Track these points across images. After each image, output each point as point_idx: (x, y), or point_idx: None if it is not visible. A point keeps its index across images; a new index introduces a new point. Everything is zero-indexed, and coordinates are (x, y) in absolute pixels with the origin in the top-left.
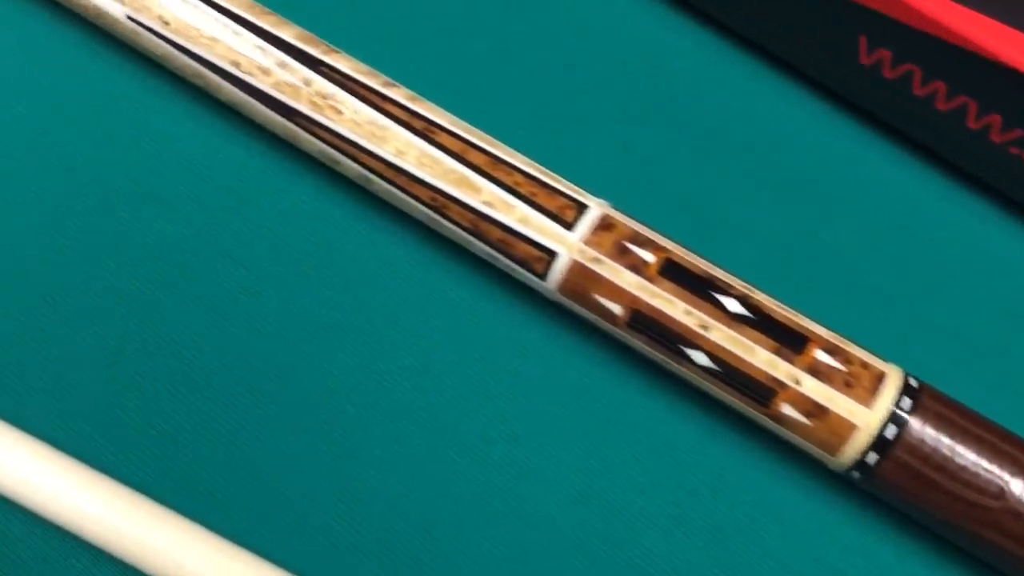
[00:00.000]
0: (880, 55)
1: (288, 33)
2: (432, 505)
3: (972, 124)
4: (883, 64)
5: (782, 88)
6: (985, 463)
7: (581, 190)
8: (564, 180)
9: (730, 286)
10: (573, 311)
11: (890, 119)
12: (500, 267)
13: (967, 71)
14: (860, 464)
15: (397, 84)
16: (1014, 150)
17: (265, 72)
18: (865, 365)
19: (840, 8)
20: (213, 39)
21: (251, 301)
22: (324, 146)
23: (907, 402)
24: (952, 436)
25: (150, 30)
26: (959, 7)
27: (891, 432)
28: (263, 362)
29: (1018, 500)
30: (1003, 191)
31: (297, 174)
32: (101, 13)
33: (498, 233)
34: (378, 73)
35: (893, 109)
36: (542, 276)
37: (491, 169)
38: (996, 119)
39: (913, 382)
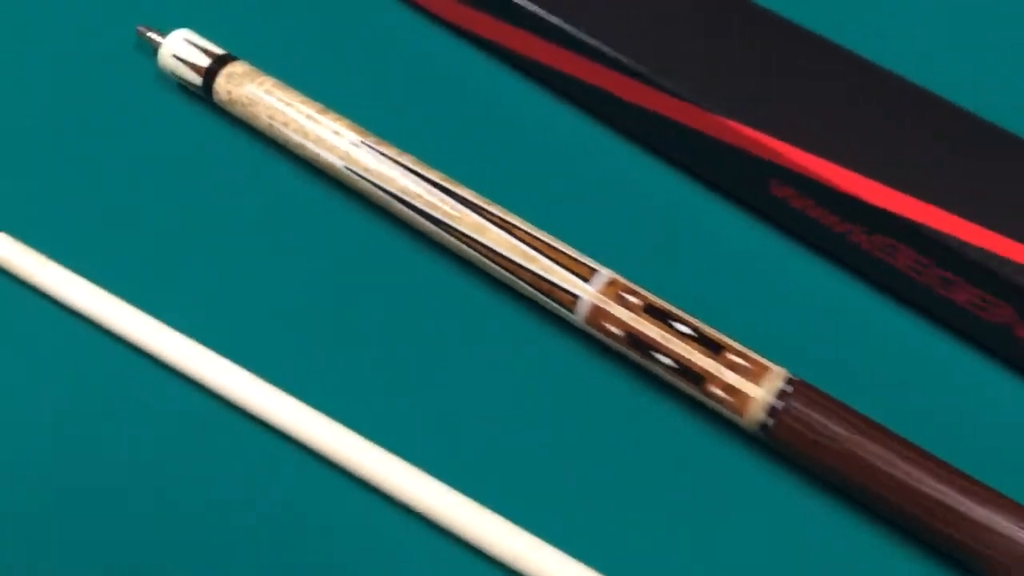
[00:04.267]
0: (785, 191)
1: (434, 175)
2: None
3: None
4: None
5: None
6: (832, 423)
7: (598, 264)
8: (590, 257)
9: (681, 317)
10: (589, 332)
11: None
12: (545, 306)
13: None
14: (764, 426)
15: (493, 204)
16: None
17: (417, 197)
18: (758, 363)
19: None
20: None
21: None
22: (458, 242)
23: (789, 387)
24: (816, 411)
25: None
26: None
27: (779, 404)
28: None
29: (853, 448)
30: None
31: None
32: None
33: (549, 286)
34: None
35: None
36: (572, 311)
37: (548, 251)
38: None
39: (790, 377)
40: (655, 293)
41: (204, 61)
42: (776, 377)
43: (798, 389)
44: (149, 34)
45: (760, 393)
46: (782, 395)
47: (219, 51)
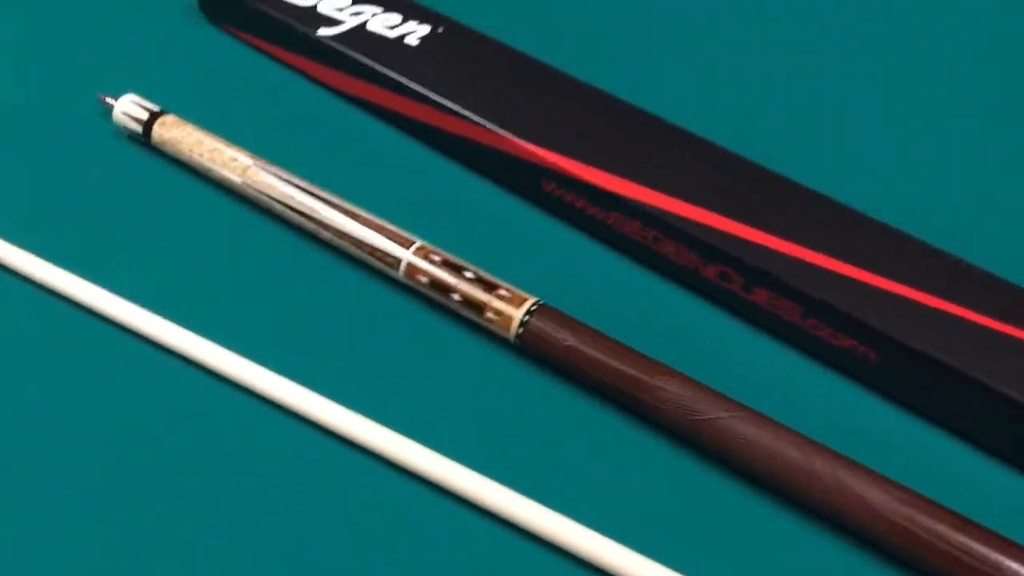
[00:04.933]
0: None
1: (302, 183)
2: None
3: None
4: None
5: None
6: (555, 326)
7: (413, 235)
8: (408, 231)
9: (468, 267)
10: (407, 284)
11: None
12: (377, 268)
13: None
14: (518, 335)
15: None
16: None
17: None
18: (518, 295)
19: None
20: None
21: None
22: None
23: (535, 308)
24: (552, 323)
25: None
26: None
27: (526, 319)
28: None
29: (576, 345)
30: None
31: None
32: (225, 180)
33: (380, 254)
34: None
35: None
36: (396, 269)
37: (380, 230)
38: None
39: (539, 302)
40: (452, 253)
41: (144, 115)
42: (528, 303)
43: (540, 309)
44: (107, 99)
45: (517, 314)
46: (529, 313)
47: (155, 108)
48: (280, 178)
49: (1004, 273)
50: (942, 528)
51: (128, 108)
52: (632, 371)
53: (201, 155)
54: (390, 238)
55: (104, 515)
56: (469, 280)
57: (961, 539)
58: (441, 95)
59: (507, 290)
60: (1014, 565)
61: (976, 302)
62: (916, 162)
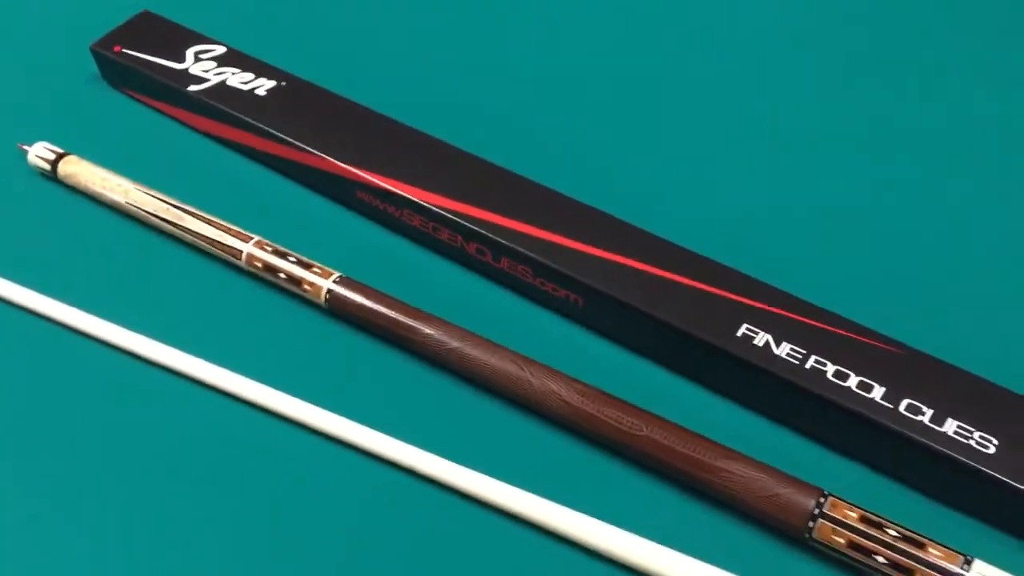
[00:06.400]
0: (369, 198)
1: (171, 200)
2: None
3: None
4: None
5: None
6: (351, 291)
7: (252, 232)
8: (248, 231)
9: (289, 253)
10: (248, 269)
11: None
12: (225, 258)
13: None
14: (326, 300)
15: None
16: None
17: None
18: (327, 271)
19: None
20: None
21: None
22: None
23: (337, 280)
24: (349, 289)
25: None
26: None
27: (331, 288)
28: None
29: (364, 302)
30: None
31: None
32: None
33: (227, 247)
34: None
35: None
36: (239, 259)
37: (227, 230)
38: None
39: (341, 276)
40: (283, 245)
41: (52, 157)
42: (333, 276)
43: (342, 280)
44: (23, 147)
45: (325, 284)
46: (336, 282)
47: (60, 151)
48: (153, 197)
49: (674, 238)
50: (605, 408)
51: (40, 152)
52: (403, 318)
53: (94, 184)
54: (234, 235)
55: None
56: (291, 262)
57: (616, 413)
58: (281, 131)
59: (319, 268)
60: (637, 422)
61: (652, 260)
62: (619, 156)
